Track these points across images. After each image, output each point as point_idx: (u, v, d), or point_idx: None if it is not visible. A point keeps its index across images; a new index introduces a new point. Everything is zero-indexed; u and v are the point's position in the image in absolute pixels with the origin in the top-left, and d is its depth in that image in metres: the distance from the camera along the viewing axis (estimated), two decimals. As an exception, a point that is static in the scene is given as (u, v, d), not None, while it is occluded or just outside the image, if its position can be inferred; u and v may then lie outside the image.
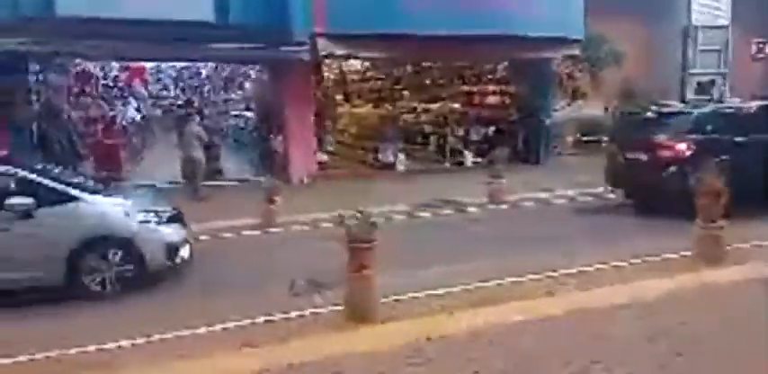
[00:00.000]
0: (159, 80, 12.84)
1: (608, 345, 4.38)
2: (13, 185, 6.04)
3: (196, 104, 12.37)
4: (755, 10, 20.89)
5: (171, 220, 6.68)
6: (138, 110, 12.09)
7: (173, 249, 6.45)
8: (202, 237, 8.21)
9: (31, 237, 5.83)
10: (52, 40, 10.08)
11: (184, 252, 6.61)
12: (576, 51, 14.03)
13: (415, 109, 15.70)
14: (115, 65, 12.07)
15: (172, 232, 6.54)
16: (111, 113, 12.50)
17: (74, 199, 6.11)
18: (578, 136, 17.95)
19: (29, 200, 5.75)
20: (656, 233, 7.65)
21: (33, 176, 6.18)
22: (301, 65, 12.26)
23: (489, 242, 7.77)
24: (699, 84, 20.87)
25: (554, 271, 6.17)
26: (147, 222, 6.38)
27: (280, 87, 12.70)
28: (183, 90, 12.79)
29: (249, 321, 5.20)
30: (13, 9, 10.24)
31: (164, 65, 12.24)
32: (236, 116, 13.24)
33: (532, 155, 15.25)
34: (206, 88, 13.02)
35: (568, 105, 16.55)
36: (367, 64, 15.63)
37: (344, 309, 5.10)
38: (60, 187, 6.19)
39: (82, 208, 6.12)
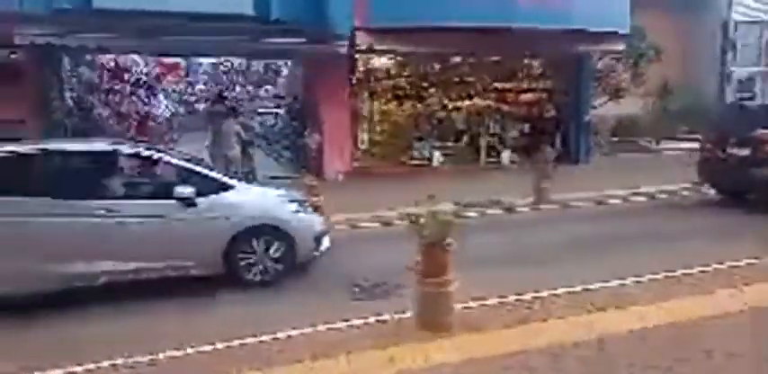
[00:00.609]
0: (192, 76, 12.51)
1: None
2: (175, 174, 6.06)
3: (229, 101, 11.98)
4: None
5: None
6: (169, 106, 11.81)
7: (319, 238, 6.45)
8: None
9: (193, 226, 5.79)
10: (87, 33, 9.80)
11: (326, 241, 6.59)
12: (621, 46, 13.52)
13: (445, 106, 15.24)
14: (150, 60, 11.71)
15: (318, 221, 6.57)
16: (145, 109, 12.27)
17: (230, 187, 6.08)
18: (614, 134, 17.47)
19: (192, 189, 5.74)
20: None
21: (191, 165, 6.16)
22: (338, 60, 11.91)
23: (563, 244, 7.43)
24: (740, 81, 20.24)
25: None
26: (298, 211, 6.35)
27: (315, 83, 12.35)
28: (213, 86, 12.45)
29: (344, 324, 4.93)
30: (48, 0, 10.02)
31: (199, 60, 11.91)
32: (266, 113, 12.91)
33: (571, 154, 14.78)
34: (237, 84, 12.70)
35: (606, 102, 16.05)
36: (392, 60, 15.26)
37: (418, 317, 4.74)
38: (218, 176, 6.20)
39: (239, 196, 6.08)
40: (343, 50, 11.15)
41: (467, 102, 15.49)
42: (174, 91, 12.34)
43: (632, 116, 17.95)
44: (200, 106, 12.09)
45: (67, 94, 11.31)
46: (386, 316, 5.07)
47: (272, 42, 10.47)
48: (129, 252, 5.65)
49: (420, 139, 14.28)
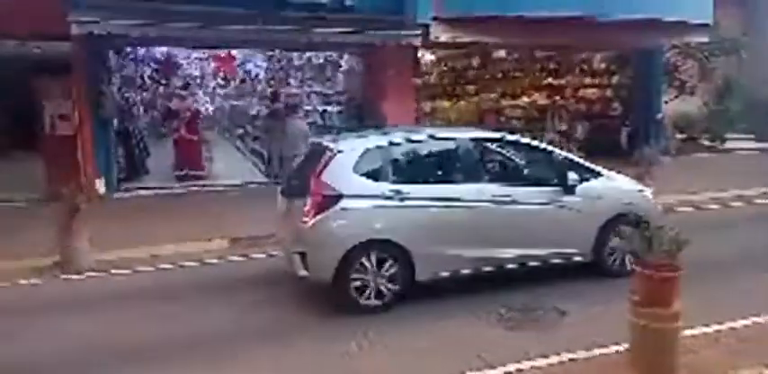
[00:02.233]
0: (248, 69, 11.69)
1: None
2: (549, 161, 5.98)
3: (289, 98, 11.09)
4: None
5: None
6: (222, 102, 11.10)
7: None
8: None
9: (574, 213, 5.74)
10: (135, 22, 8.84)
11: None
12: (705, 38, 12.56)
13: (498, 101, 14.32)
14: (203, 52, 10.83)
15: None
16: (195, 106, 11.40)
17: (599, 175, 6.03)
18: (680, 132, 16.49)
19: (577, 176, 5.73)
20: None
21: (564, 153, 6.13)
22: (405, 53, 11.02)
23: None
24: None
25: None
26: (651, 199, 6.22)
27: (380, 78, 11.41)
28: (271, 81, 11.58)
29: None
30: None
31: (255, 52, 11.04)
32: (323, 111, 12.01)
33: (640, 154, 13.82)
34: (294, 79, 11.82)
35: (674, 98, 15.12)
36: (436, 54, 14.32)
37: (633, 354, 3.84)
38: (588, 163, 6.09)
39: (608, 184, 6.04)
40: (418, 42, 10.23)
41: (525, 99, 14.56)
42: (227, 85, 11.42)
43: (689, 114, 16.99)
44: (255, 103, 11.29)
45: (114, 89, 10.39)
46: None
47: (336, 33, 9.47)
48: (522, 238, 5.64)
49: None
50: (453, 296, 5.48)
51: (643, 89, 14.09)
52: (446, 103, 14.78)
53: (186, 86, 11.25)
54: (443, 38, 10.46)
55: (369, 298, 5.11)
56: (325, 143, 5.62)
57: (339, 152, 5.24)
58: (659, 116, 13.84)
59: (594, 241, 5.80)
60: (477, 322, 4.90)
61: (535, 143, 6.20)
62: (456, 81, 15.11)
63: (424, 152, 5.64)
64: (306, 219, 5.07)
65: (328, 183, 5.10)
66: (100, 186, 10.17)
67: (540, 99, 14.52)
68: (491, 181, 5.61)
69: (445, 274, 5.39)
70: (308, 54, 11.37)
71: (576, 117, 14.13)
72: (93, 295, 5.86)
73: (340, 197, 5.05)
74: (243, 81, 11.53)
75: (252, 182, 11.70)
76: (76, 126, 9.94)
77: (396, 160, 5.44)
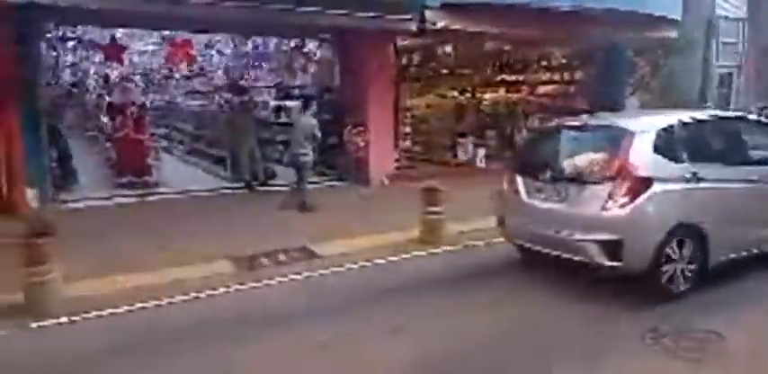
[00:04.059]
0: (207, 57, 9.97)
1: None
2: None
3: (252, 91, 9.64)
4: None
5: None
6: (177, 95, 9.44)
7: None
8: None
9: None
10: None
11: None
12: (674, 33, 12.59)
13: (473, 96, 13.65)
14: (154, 35, 9.06)
15: None
16: (142, 99, 9.59)
17: None
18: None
19: None
20: None
21: None
22: (386, 41, 9.96)
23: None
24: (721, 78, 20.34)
25: None
26: None
27: (361, 69, 10.27)
28: (234, 71, 10.02)
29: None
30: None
31: (217, 37, 9.41)
32: (290, 106, 10.63)
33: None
34: (257, 69, 10.31)
35: (629, 96, 15.21)
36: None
37: None
38: None
39: None
40: (414, 27, 9.21)
41: (492, 94, 14.01)
42: (184, 76, 9.73)
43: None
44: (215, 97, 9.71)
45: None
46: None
47: (326, 14, 8.18)
48: None
49: (463, 135, 12.56)
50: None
51: (607, 84, 13.98)
52: (417, 98, 13.85)
53: (134, 75, 9.43)
54: (439, 24, 9.49)
55: (677, 284, 4.91)
56: (611, 123, 5.43)
57: (638, 132, 4.95)
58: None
59: None
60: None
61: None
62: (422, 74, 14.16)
63: (710, 132, 5.56)
64: (615, 204, 4.77)
65: (637, 166, 4.80)
66: (32, 198, 8.18)
67: (509, 95, 14.04)
68: (746, 162, 5.55)
69: (734, 256, 5.29)
70: (274, 41, 9.95)
71: (557, 113, 13.76)
72: (83, 351, 4.25)
73: (651, 180, 4.80)
74: (201, 71, 9.90)
75: (211, 190, 10.13)
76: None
77: (687, 140, 5.21)
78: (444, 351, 4.11)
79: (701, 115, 5.64)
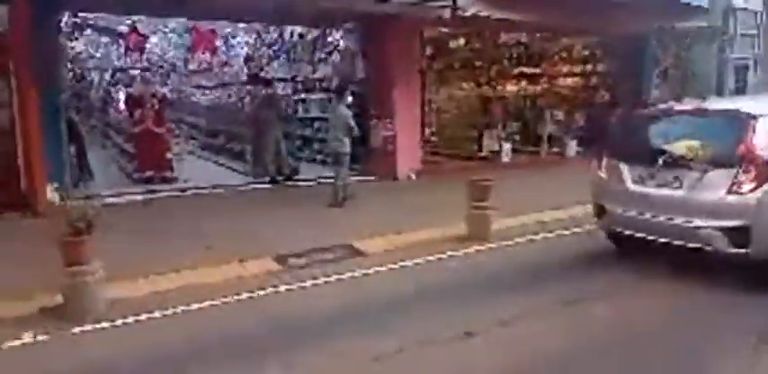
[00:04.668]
0: (229, 48, 9.60)
1: None
2: None
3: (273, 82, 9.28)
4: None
5: None
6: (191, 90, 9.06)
7: None
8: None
9: None
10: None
11: None
12: (703, 22, 12.27)
13: (495, 89, 13.26)
14: (175, 25, 8.71)
15: None
16: (163, 92, 9.23)
17: None
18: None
19: None
20: None
21: None
22: (413, 31, 9.62)
23: None
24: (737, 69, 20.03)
25: None
26: None
27: (387, 60, 9.92)
28: (256, 62, 9.64)
29: None
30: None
31: (241, 25, 9.05)
32: (315, 98, 10.28)
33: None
34: (280, 59, 9.94)
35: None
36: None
37: None
38: None
39: None
40: (447, 14, 8.86)
41: (513, 87, 13.62)
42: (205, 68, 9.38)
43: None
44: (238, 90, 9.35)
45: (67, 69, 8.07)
46: None
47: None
48: None
49: (487, 128, 12.22)
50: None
51: (631, 76, 13.68)
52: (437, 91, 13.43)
53: (153, 67, 9.07)
54: (470, 11, 9.14)
55: None
56: (732, 107, 5.26)
57: (762, 116, 4.80)
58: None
59: None
60: None
61: None
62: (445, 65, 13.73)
63: None
64: (741, 190, 4.60)
65: (763, 150, 4.66)
66: (51, 194, 7.83)
67: (533, 86, 13.68)
68: None
69: None
70: (298, 30, 9.57)
71: (579, 106, 13.47)
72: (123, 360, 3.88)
73: None
74: (225, 64, 9.54)
75: (235, 185, 9.80)
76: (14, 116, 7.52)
77: None
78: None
79: None
